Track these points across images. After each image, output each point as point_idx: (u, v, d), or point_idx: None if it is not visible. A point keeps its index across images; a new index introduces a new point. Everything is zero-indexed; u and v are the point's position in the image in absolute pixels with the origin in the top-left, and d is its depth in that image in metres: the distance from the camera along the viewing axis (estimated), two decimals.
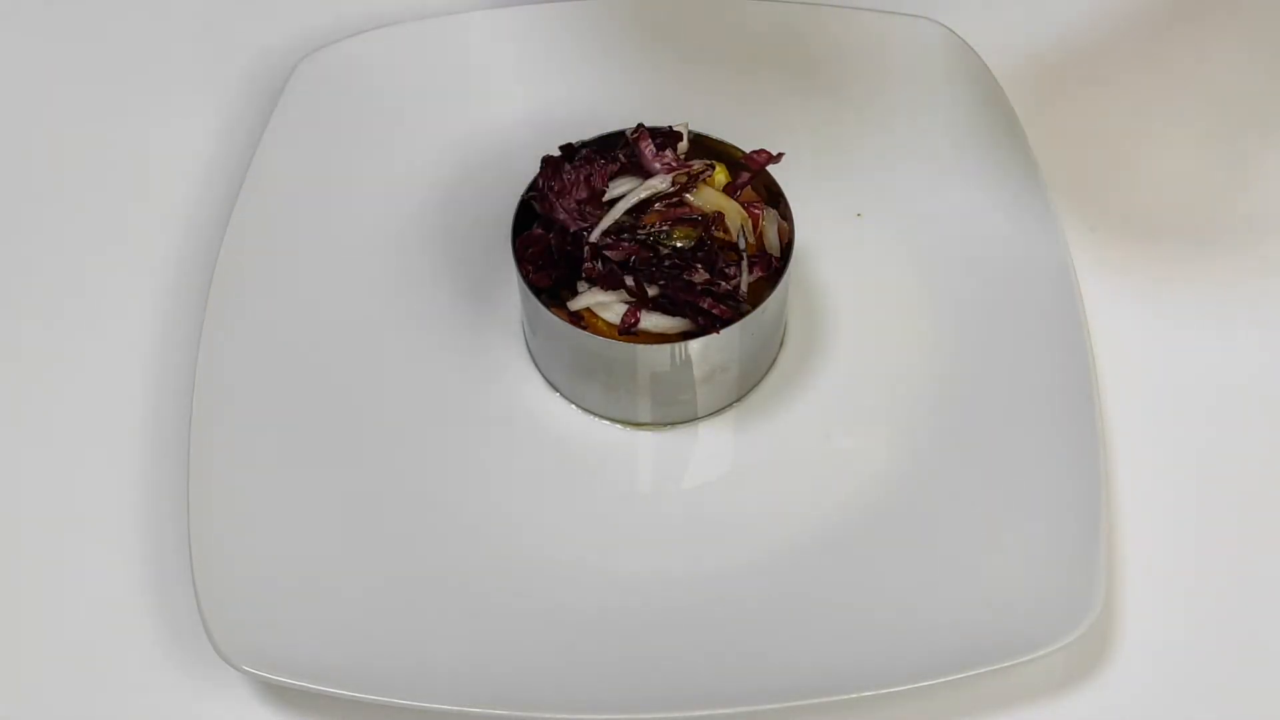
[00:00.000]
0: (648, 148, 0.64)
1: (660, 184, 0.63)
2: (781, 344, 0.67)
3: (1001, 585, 0.58)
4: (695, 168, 0.63)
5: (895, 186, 0.71)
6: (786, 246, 0.63)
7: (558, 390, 0.66)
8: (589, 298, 0.62)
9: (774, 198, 0.64)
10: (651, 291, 0.61)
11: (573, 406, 0.66)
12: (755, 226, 0.63)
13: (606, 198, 0.63)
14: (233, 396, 0.63)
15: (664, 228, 0.62)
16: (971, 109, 0.72)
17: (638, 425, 0.65)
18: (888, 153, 0.72)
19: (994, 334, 0.66)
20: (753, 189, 0.65)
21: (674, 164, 0.63)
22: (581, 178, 0.63)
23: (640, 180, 0.63)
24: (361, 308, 0.68)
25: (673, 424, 0.65)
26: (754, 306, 0.61)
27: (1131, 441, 0.64)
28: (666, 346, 0.61)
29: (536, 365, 0.67)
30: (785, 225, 0.64)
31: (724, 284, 0.61)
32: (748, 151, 0.64)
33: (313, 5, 0.80)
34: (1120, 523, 0.62)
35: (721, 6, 0.75)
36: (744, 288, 0.62)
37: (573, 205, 0.63)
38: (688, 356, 0.62)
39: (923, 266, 0.68)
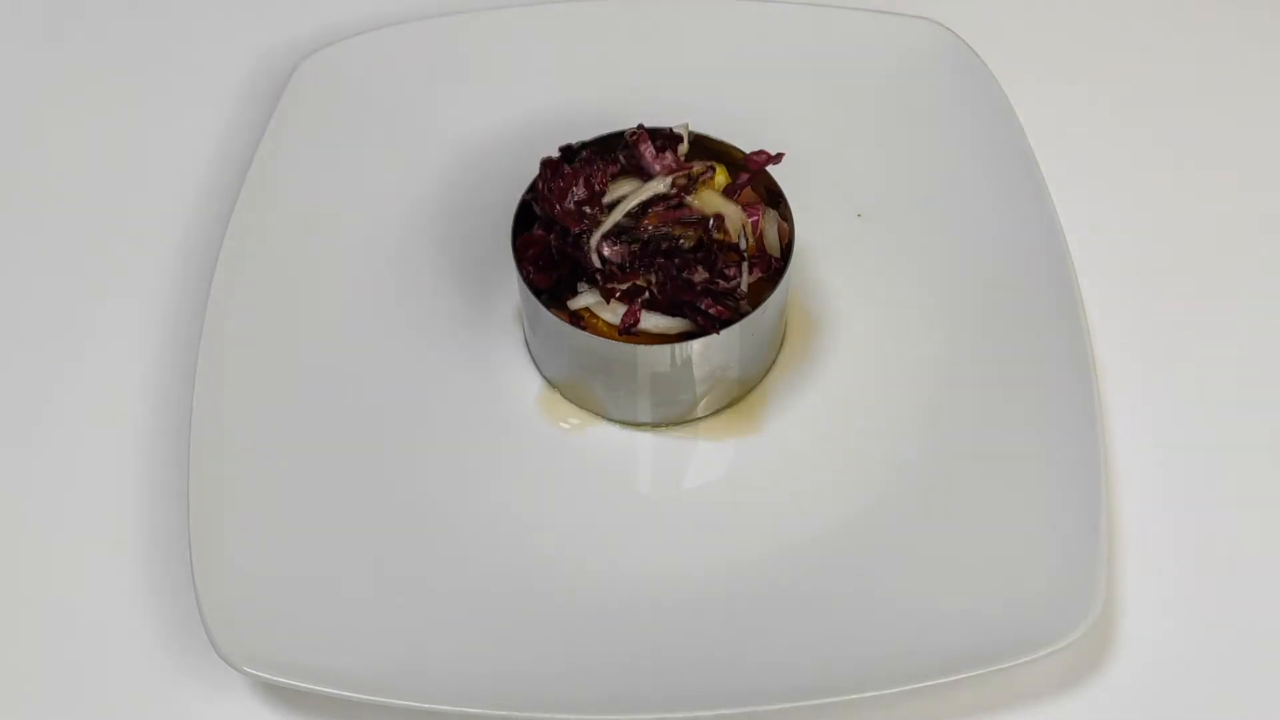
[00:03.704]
0: (648, 150, 0.64)
1: (660, 186, 0.63)
2: (781, 344, 0.67)
3: (1001, 586, 0.58)
4: (695, 170, 0.63)
5: (895, 186, 0.71)
6: (786, 247, 0.63)
7: (558, 390, 0.66)
8: (589, 298, 0.62)
9: (774, 198, 0.64)
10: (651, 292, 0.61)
11: (573, 406, 0.66)
12: (755, 228, 0.63)
13: (607, 200, 0.63)
14: (233, 397, 0.63)
15: (664, 229, 0.62)
16: (971, 109, 0.72)
17: (638, 425, 0.65)
18: (888, 153, 0.72)
19: (994, 334, 0.66)
20: (753, 189, 0.65)
21: (674, 166, 0.63)
22: (581, 179, 0.63)
23: (640, 182, 0.63)
24: (361, 308, 0.68)
25: (673, 424, 0.65)
26: (754, 307, 0.61)
27: (1132, 441, 0.64)
28: (666, 347, 0.61)
29: (536, 365, 0.67)
30: (785, 226, 0.64)
31: (723, 283, 0.61)
32: (748, 152, 0.64)
33: (312, 5, 0.80)
34: (1120, 523, 0.62)
35: (721, 6, 0.75)
36: (744, 288, 0.62)
37: (572, 206, 0.63)
38: (688, 357, 0.62)
39: (922, 266, 0.68)
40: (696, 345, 0.61)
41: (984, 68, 0.72)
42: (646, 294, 0.61)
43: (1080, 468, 0.60)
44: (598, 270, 0.61)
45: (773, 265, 0.63)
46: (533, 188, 0.64)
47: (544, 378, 0.67)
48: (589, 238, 0.62)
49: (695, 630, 0.58)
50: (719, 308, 0.61)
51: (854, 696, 0.55)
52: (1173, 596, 0.60)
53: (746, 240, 0.62)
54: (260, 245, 0.68)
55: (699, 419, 0.65)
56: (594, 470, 0.64)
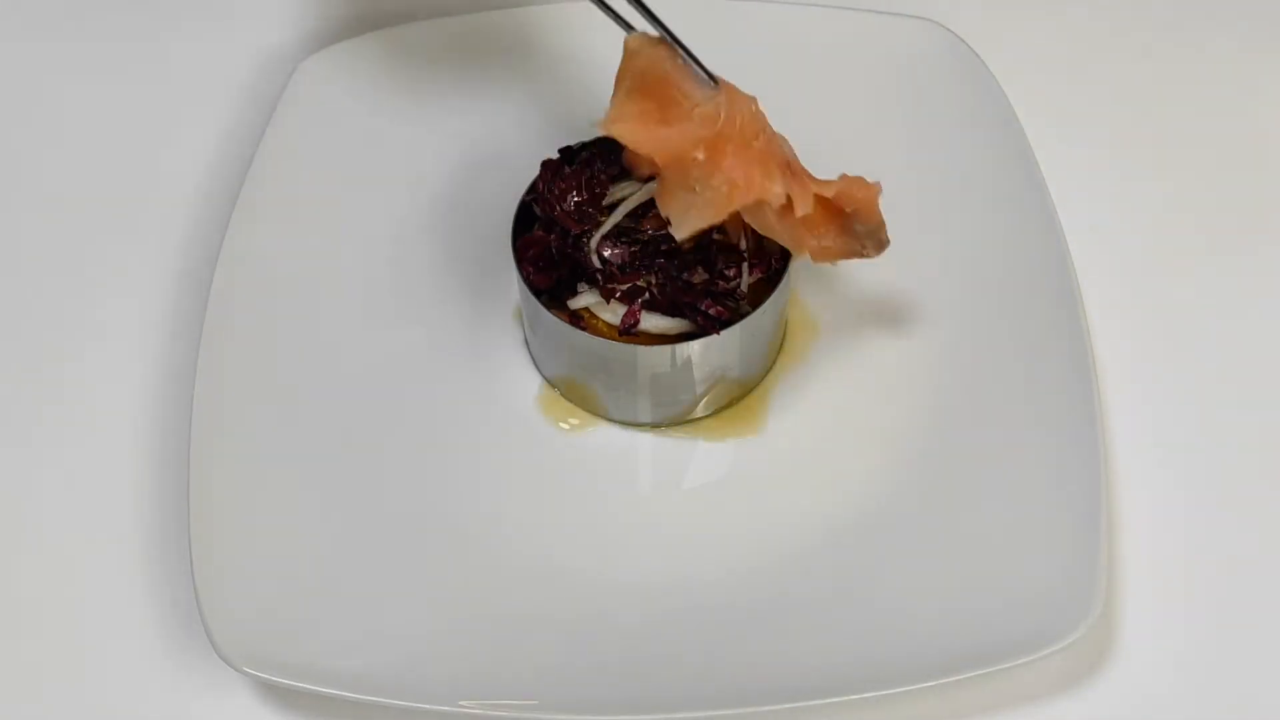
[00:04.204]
0: None
1: None
2: (781, 344, 0.67)
3: (1002, 587, 0.58)
4: None
5: (895, 186, 0.71)
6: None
7: (557, 390, 0.66)
8: (589, 298, 0.62)
9: None
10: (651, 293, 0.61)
11: (572, 406, 0.66)
12: None
13: (606, 201, 0.63)
14: (233, 397, 0.63)
15: (664, 230, 0.62)
16: (971, 109, 0.72)
17: (638, 426, 0.65)
18: (888, 153, 0.72)
19: (994, 335, 0.65)
20: None
21: None
22: (581, 180, 0.63)
23: (640, 183, 0.63)
24: (361, 308, 0.68)
25: (672, 425, 0.65)
26: (754, 307, 0.61)
27: (1132, 442, 0.64)
28: (666, 347, 0.61)
29: (536, 365, 0.67)
30: None
31: (723, 284, 0.61)
32: None
33: (312, 5, 0.80)
34: (1120, 523, 0.62)
35: (721, 6, 0.75)
36: (744, 288, 0.62)
37: (572, 207, 0.63)
38: (688, 357, 0.62)
39: (922, 266, 0.68)
40: (696, 346, 0.61)
41: (984, 68, 0.72)
42: (646, 294, 0.61)
43: (1080, 468, 0.60)
44: (598, 271, 0.61)
45: (772, 266, 0.63)
46: (533, 189, 0.64)
47: (544, 378, 0.67)
48: (589, 239, 0.62)
49: (695, 631, 0.58)
50: (719, 308, 0.61)
51: (854, 697, 0.55)
52: (1173, 596, 0.60)
53: (746, 241, 0.62)
54: (260, 245, 0.68)
55: (699, 419, 0.65)
56: (594, 470, 0.64)
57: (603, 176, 0.63)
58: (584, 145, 0.64)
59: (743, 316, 0.61)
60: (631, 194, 0.62)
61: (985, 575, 0.59)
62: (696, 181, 0.55)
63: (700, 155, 0.55)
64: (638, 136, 0.56)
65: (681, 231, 0.56)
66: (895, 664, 0.56)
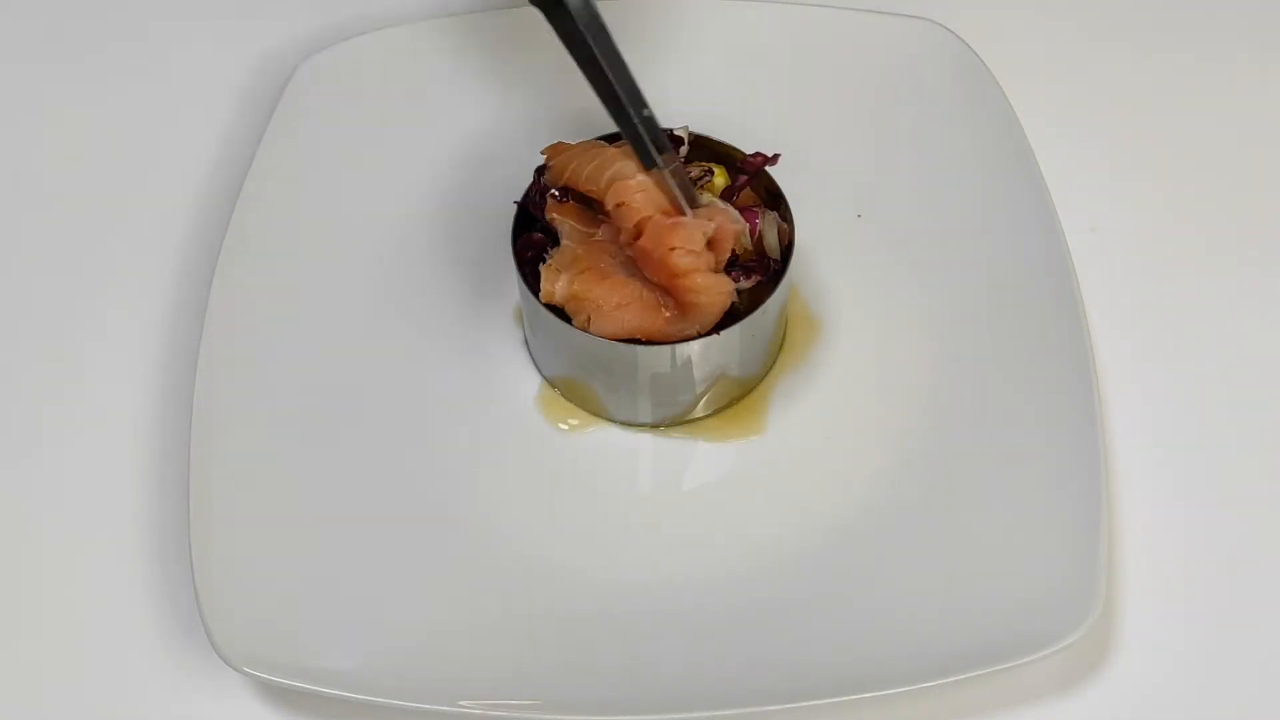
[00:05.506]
0: None
1: None
2: (782, 344, 0.67)
3: (1002, 587, 0.58)
4: (693, 174, 0.63)
5: (895, 186, 0.71)
6: (786, 248, 0.63)
7: (557, 390, 0.66)
8: None
9: (774, 199, 0.64)
10: None
11: (572, 406, 0.66)
12: (753, 233, 0.63)
13: None
14: (233, 398, 0.63)
15: None
16: (971, 109, 0.72)
17: (638, 426, 0.65)
18: (888, 153, 0.72)
19: (994, 334, 0.65)
20: (753, 190, 0.65)
21: None
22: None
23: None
24: (361, 308, 0.68)
25: (673, 425, 0.65)
26: (754, 307, 0.61)
27: (1132, 442, 0.64)
28: (666, 348, 0.61)
29: (536, 366, 0.67)
30: (785, 227, 0.64)
31: None
32: (748, 153, 0.64)
33: (312, 5, 0.80)
34: (1120, 523, 0.62)
35: (722, 7, 0.75)
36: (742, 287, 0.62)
37: None
38: (687, 358, 0.61)
39: (923, 266, 0.68)
40: (696, 346, 0.61)
41: (984, 68, 0.72)
42: None
43: (1080, 467, 0.60)
44: None
45: (771, 268, 0.63)
46: (530, 190, 0.64)
47: (543, 378, 0.67)
48: None
49: (695, 631, 0.58)
50: None
51: (854, 697, 0.55)
52: (1173, 596, 0.60)
53: (743, 244, 0.62)
54: (260, 245, 0.68)
55: (699, 419, 0.65)
56: (593, 471, 0.64)
57: None
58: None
59: (742, 316, 0.61)
60: None
61: (985, 575, 0.59)
62: None
63: None
64: None
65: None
66: (895, 664, 0.56)
